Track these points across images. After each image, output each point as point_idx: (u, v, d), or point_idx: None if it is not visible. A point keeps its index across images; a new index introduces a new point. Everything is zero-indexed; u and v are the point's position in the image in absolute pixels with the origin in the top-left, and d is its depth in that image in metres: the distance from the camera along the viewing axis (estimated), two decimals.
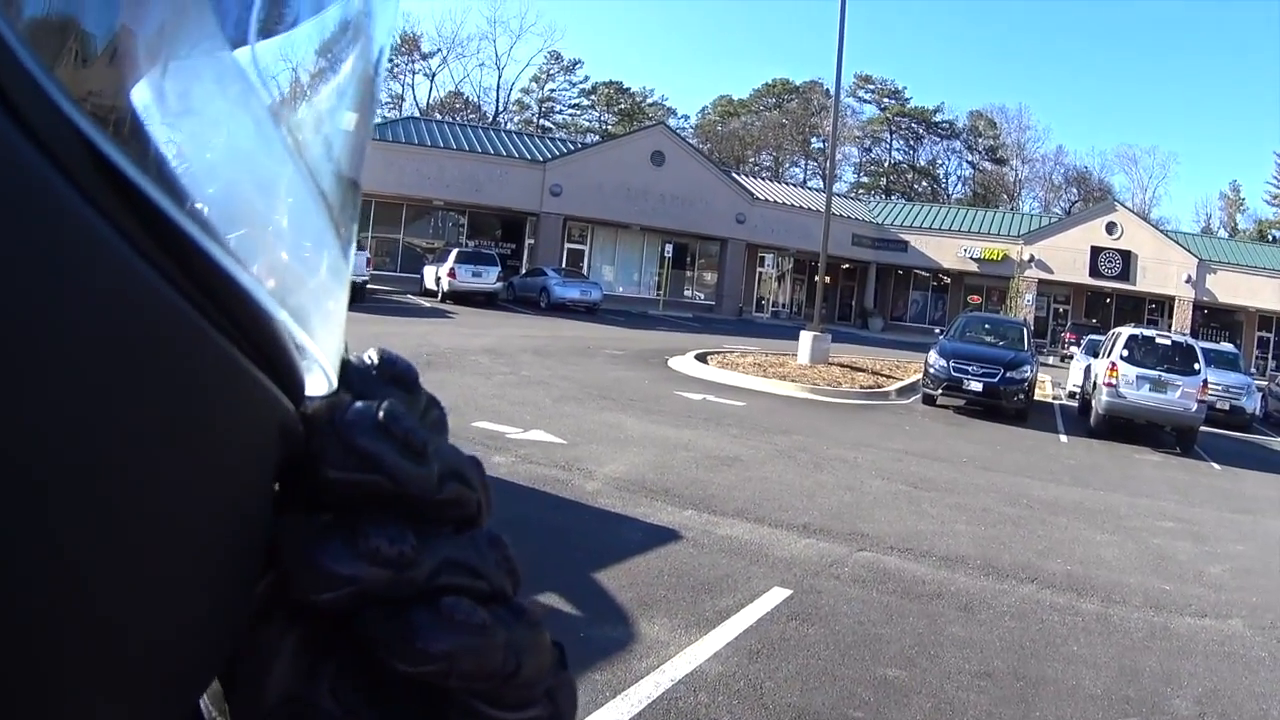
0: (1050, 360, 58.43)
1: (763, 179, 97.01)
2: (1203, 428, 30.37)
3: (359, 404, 0.61)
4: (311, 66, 0.65)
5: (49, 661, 0.43)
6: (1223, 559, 15.86)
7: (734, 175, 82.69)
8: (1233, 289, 76.50)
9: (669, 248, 72.27)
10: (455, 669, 0.61)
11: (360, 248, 49.86)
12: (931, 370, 31.41)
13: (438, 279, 54.67)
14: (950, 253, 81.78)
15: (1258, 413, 41.64)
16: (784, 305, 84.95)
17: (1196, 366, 29.77)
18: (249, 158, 0.60)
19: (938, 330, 46.63)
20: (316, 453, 0.60)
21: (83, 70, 0.49)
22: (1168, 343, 31.25)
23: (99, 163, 0.43)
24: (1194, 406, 29.15)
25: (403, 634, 0.60)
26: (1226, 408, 37.83)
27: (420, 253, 67.14)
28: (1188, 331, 53.93)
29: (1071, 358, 49.19)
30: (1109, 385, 29.74)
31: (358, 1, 0.68)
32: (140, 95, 0.51)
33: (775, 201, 79.90)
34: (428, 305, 50.06)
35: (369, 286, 48.17)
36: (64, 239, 0.41)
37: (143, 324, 0.45)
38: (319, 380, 0.63)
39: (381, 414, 0.61)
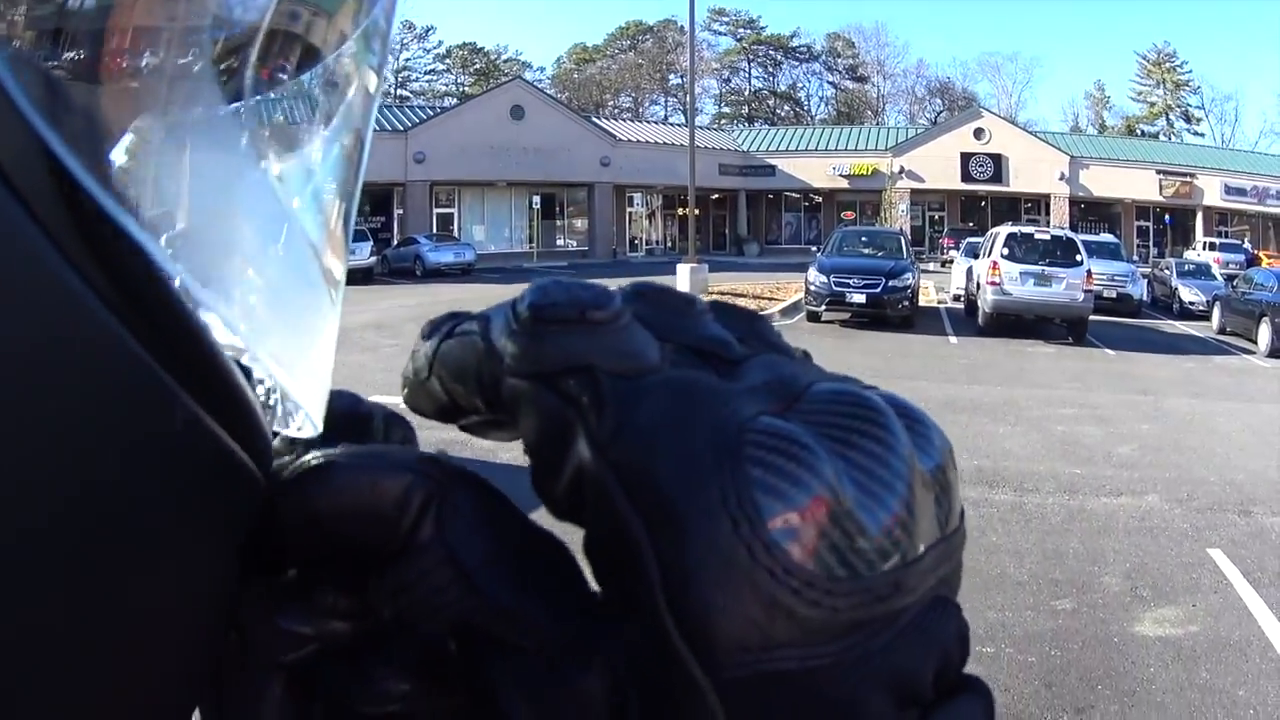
0: (931, 267, 59.24)
1: (624, 120, 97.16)
2: (1094, 316, 30.66)
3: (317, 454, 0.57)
4: (303, 113, 0.63)
5: None
6: (1130, 439, 16.04)
7: (595, 120, 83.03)
8: (1107, 183, 77.51)
9: (536, 200, 72.72)
10: (418, 706, 0.58)
11: None
12: (813, 288, 31.49)
13: None
14: (820, 172, 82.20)
15: (1145, 299, 42.03)
16: (658, 242, 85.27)
17: (1079, 258, 30.02)
18: (234, 206, 0.58)
19: (815, 249, 46.79)
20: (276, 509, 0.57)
21: (69, 111, 0.47)
22: (1047, 238, 31.59)
23: (73, 203, 0.41)
24: (1080, 297, 29.39)
25: (360, 681, 0.58)
26: (1114, 295, 38.35)
27: None
28: (1066, 226, 54.43)
29: (952, 262, 49.55)
30: (993, 284, 29.93)
31: (350, 53, 0.64)
32: (124, 137, 0.50)
33: (638, 141, 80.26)
34: None
35: None
36: (28, 284, 0.39)
37: (110, 380, 0.43)
38: (305, 424, 0.60)
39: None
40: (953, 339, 29.60)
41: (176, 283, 0.44)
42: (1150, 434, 16.56)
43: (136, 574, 0.45)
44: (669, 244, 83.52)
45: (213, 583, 0.51)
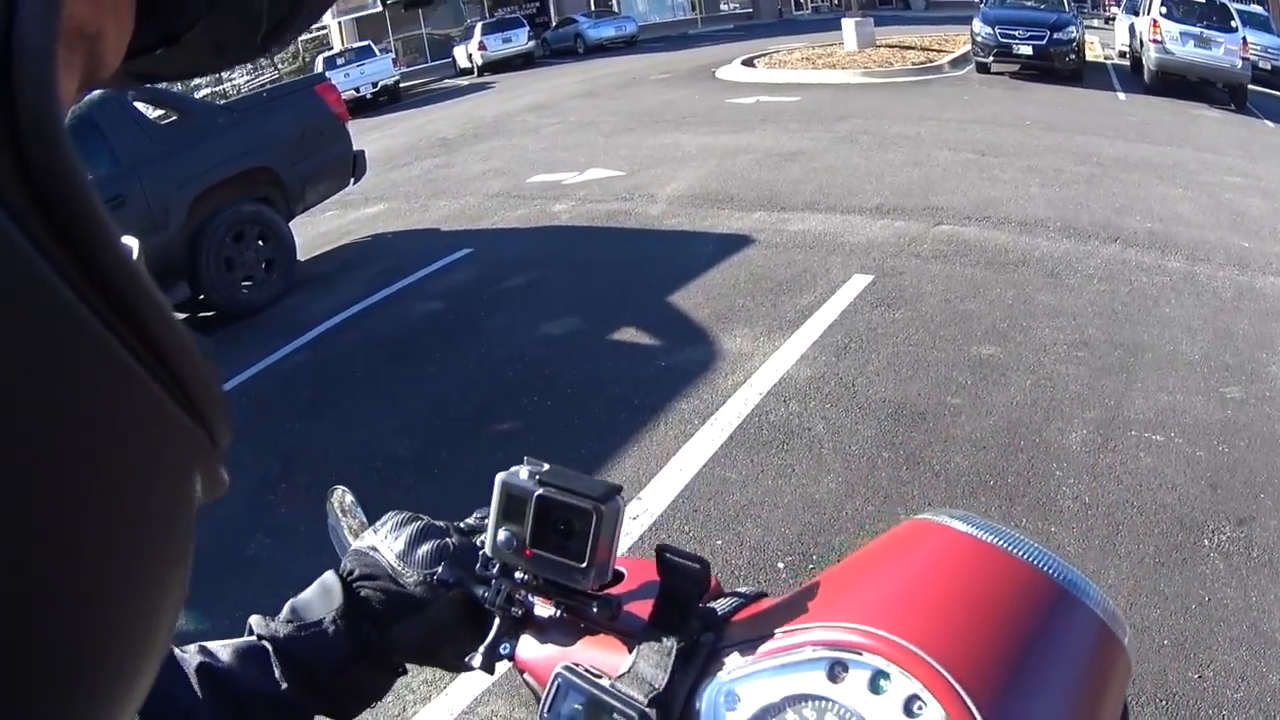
0: (1095, 23, 57.36)
1: None
2: (1251, 86, 29.65)
3: None
4: None
5: None
6: None
7: None
8: None
9: None
10: None
11: (383, 51, 51.11)
12: (979, 38, 31.15)
13: (470, 55, 54.61)
14: None
15: None
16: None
17: (1234, 24, 29.07)
18: None
19: (979, 1, 46.22)
20: None
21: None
22: (1201, 1, 30.35)
23: (17, 160, 0.40)
24: (1239, 63, 28.39)
25: None
26: (1269, 68, 35.78)
27: (444, 39, 65.73)
28: None
29: (1114, 19, 48.43)
30: (1156, 42, 29.00)
31: None
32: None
33: None
34: (466, 84, 49.51)
35: (403, 85, 48.52)
36: None
37: (56, 350, 0.41)
38: None
39: None
40: (1120, 95, 28.89)
41: (135, 254, 0.43)
42: None
43: (87, 537, 0.44)
44: (835, 0, 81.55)
45: (166, 545, 0.52)
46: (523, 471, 1.32)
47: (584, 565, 1.26)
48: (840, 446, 7.75)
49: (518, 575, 1.34)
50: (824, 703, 1.13)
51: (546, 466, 1.32)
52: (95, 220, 0.42)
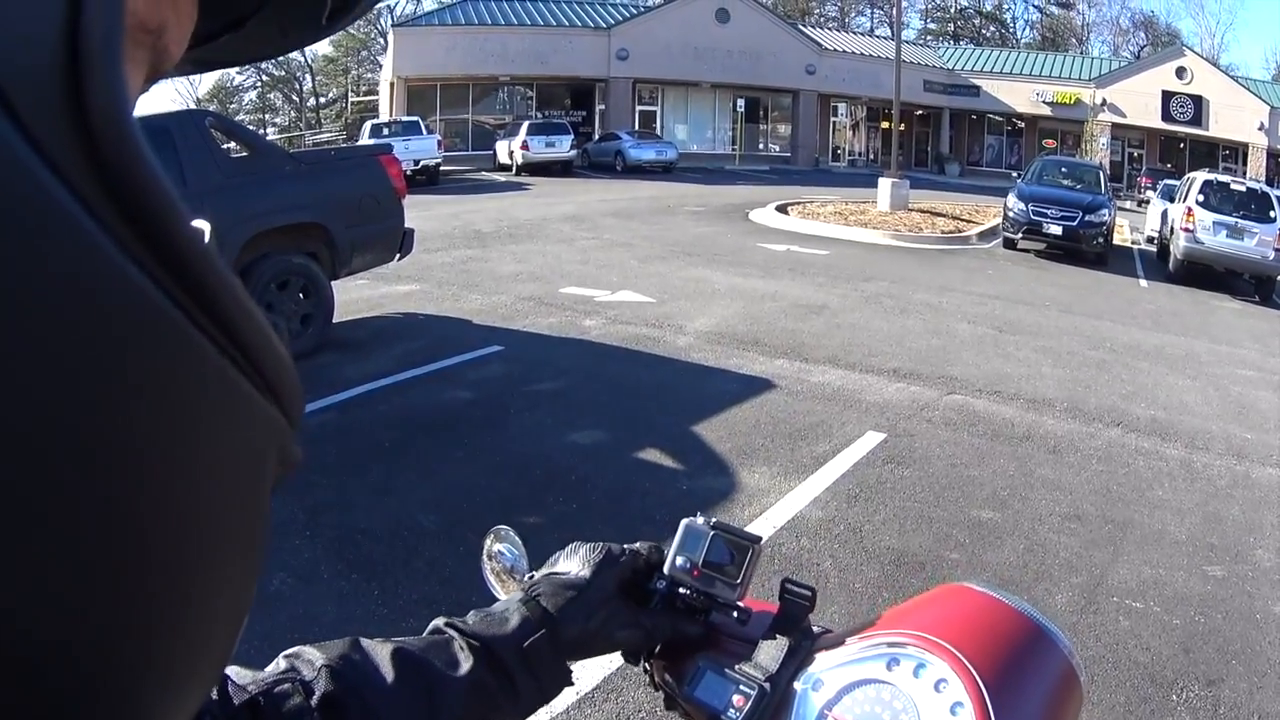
0: (1127, 205, 57.34)
1: (829, 29, 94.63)
2: None
3: None
4: None
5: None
6: None
7: (800, 27, 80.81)
8: None
9: (741, 103, 71.93)
10: None
11: (429, 131, 51.19)
12: (1011, 214, 31.34)
13: (511, 153, 54.74)
14: (1023, 97, 79.98)
15: None
16: (860, 154, 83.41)
17: (1272, 214, 28.89)
18: None
19: (1015, 174, 46.13)
20: None
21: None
22: (1243, 189, 30.44)
23: (93, 152, 0.42)
24: (1271, 255, 28.33)
25: None
26: None
27: (490, 129, 66.16)
28: (1262, 179, 52.74)
29: (1148, 202, 48.31)
30: (1186, 230, 29.10)
31: None
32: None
33: (844, 51, 78.37)
34: (503, 180, 49.98)
35: (442, 168, 48.74)
36: (53, 240, 0.40)
37: (134, 336, 0.44)
38: None
39: None
40: (1143, 282, 29.05)
41: (206, 237, 0.47)
42: None
43: (174, 516, 0.47)
44: (871, 156, 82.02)
45: (238, 527, 0.54)
46: (699, 518, 1.75)
47: (738, 581, 1.69)
48: (845, 583, 8.08)
49: (681, 590, 1.73)
50: (882, 685, 1.56)
51: (714, 519, 1.75)
52: (167, 208, 0.44)
